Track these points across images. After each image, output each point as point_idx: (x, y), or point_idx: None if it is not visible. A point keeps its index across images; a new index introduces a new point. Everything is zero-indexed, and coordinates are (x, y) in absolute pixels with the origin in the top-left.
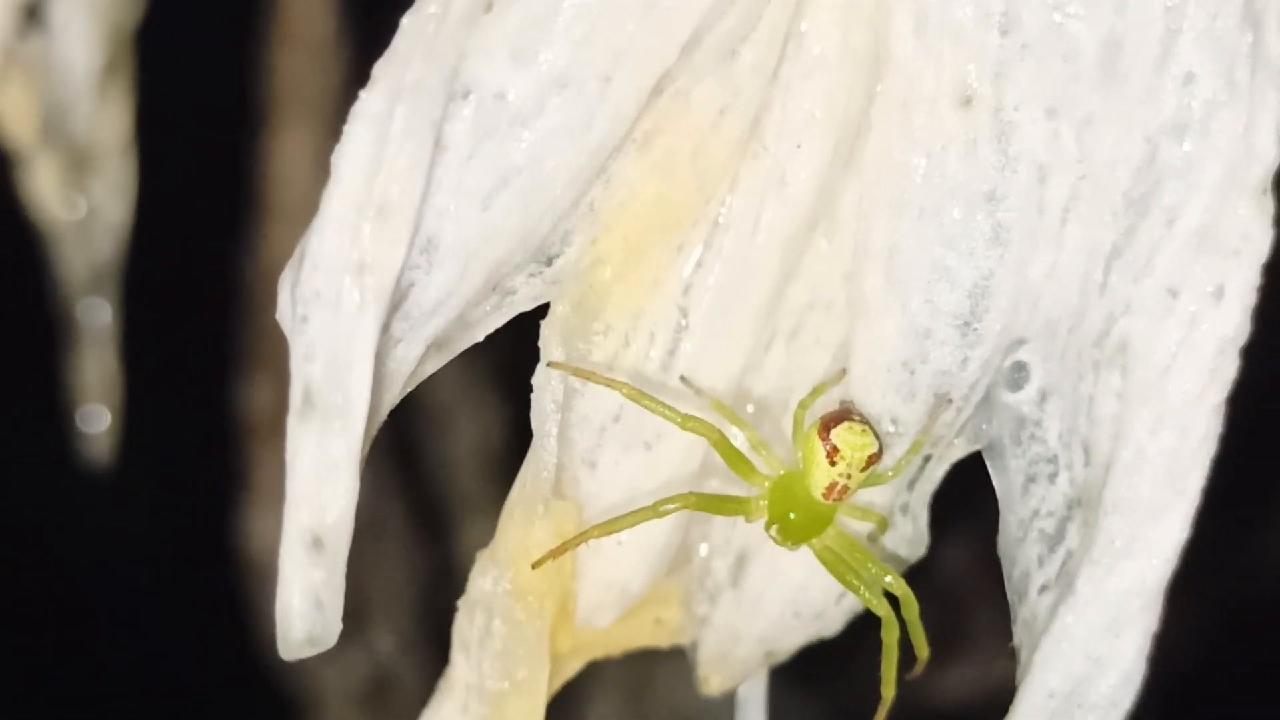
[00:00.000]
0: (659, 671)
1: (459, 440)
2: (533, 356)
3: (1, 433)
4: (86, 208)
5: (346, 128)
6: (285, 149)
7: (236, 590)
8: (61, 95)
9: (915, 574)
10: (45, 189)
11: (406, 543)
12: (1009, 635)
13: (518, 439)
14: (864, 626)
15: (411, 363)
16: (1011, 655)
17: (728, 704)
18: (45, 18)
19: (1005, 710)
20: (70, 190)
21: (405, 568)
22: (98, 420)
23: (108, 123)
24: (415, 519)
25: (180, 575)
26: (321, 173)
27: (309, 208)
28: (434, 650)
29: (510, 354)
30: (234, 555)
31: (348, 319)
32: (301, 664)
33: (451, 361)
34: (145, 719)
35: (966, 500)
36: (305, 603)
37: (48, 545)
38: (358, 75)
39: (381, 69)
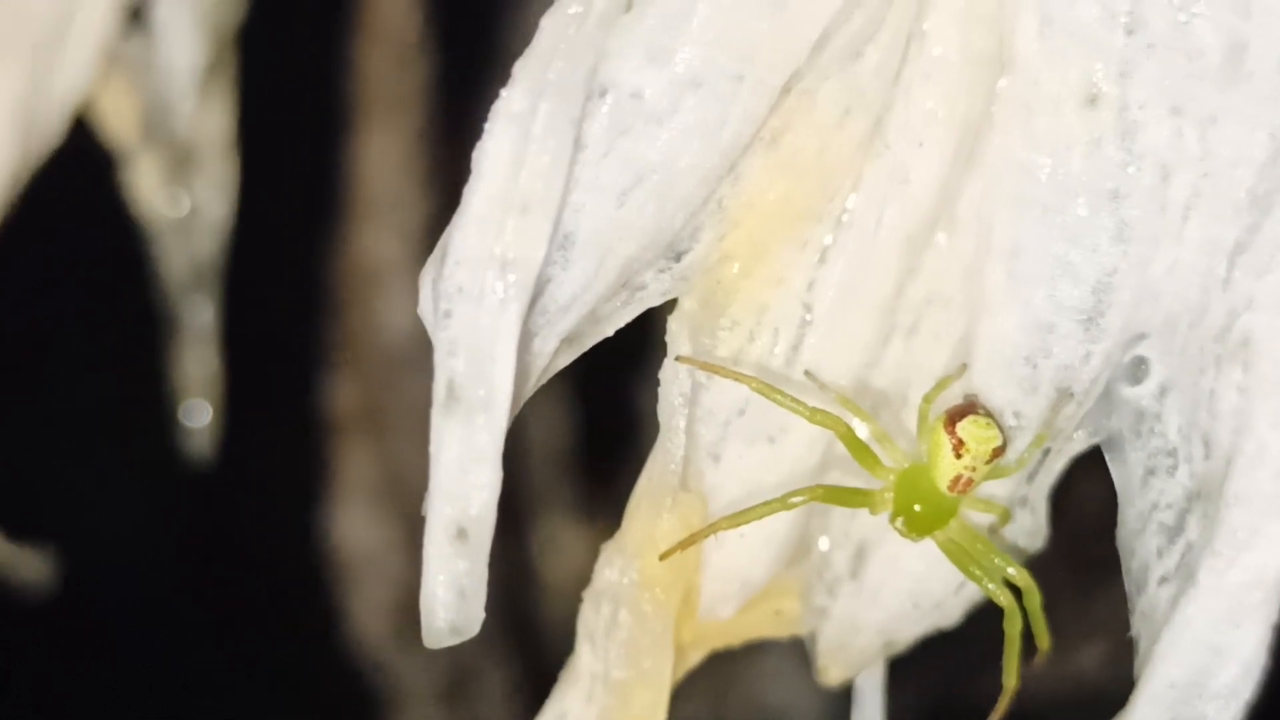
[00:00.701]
0: (745, 669)
1: (531, 439)
2: (600, 354)
3: (107, 427)
4: (189, 206)
5: (488, 125)
6: (372, 149)
7: (323, 587)
8: (164, 95)
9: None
10: (148, 187)
11: None
12: (1090, 627)
13: (588, 435)
14: (977, 616)
15: (546, 357)
16: (1096, 646)
17: (810, 695)
18: (148, 18)
19: (1087, 700)
20: (173, 188)
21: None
22: (200, 415)
23: (209, 122)
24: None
25: (272, 570)
26: (407, 173)
27: (395, 207)
28: (510, 645)
29: (580, 357)
30: (322, 552)
31: (491, 314)
32: (384, 661)
33: None
34: (235, 715)
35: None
36: (449, 593)
37: (146, 537)
38: (443, 76)
39: (522, 68)
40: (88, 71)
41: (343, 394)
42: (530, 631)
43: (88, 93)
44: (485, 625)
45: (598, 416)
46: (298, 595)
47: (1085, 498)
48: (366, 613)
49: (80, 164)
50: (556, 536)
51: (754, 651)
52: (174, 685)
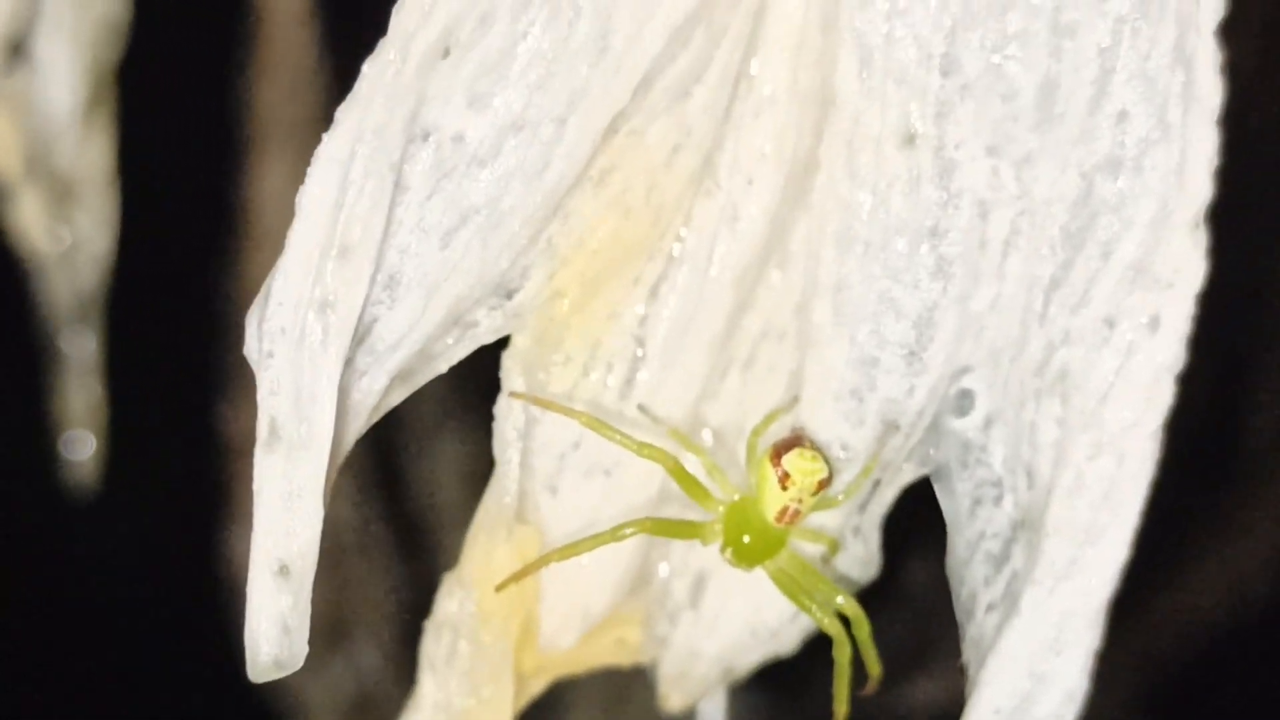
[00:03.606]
0: (635, 686)
1: (442, 461)
2: None
3: None
4: (70, 239)
5: (310, 169)
6: (265, 181)
7: (220, 609)
8: (45, 129)
9: (880, 593)
10: (30, 221)
11: (390, 561)
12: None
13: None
14: (823, 644)
15: (376, 394)
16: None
17: None
18: (29, 53)
19: None
20: (54, 222)
21: (389, 586)
22: (83, 446)
23: (90, 156)
24: (399, 538)
25: (165, 596)
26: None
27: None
28: (415, 668)
29: (492, 378)
30: (218, 575)
31: (311, 354)
32: (286, 681)
33: (434, 385)
34: None
35: (932, 520)
36: (273, 628)
37: (34, 570)
38: (338, 105)
39: (344, 112)
40: None
41: (240, 421)
42: None
43: None
44: (392, 647)
45: None
46: (196, 618)
47: None
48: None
49: None
50: None
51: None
52: (72, 713)
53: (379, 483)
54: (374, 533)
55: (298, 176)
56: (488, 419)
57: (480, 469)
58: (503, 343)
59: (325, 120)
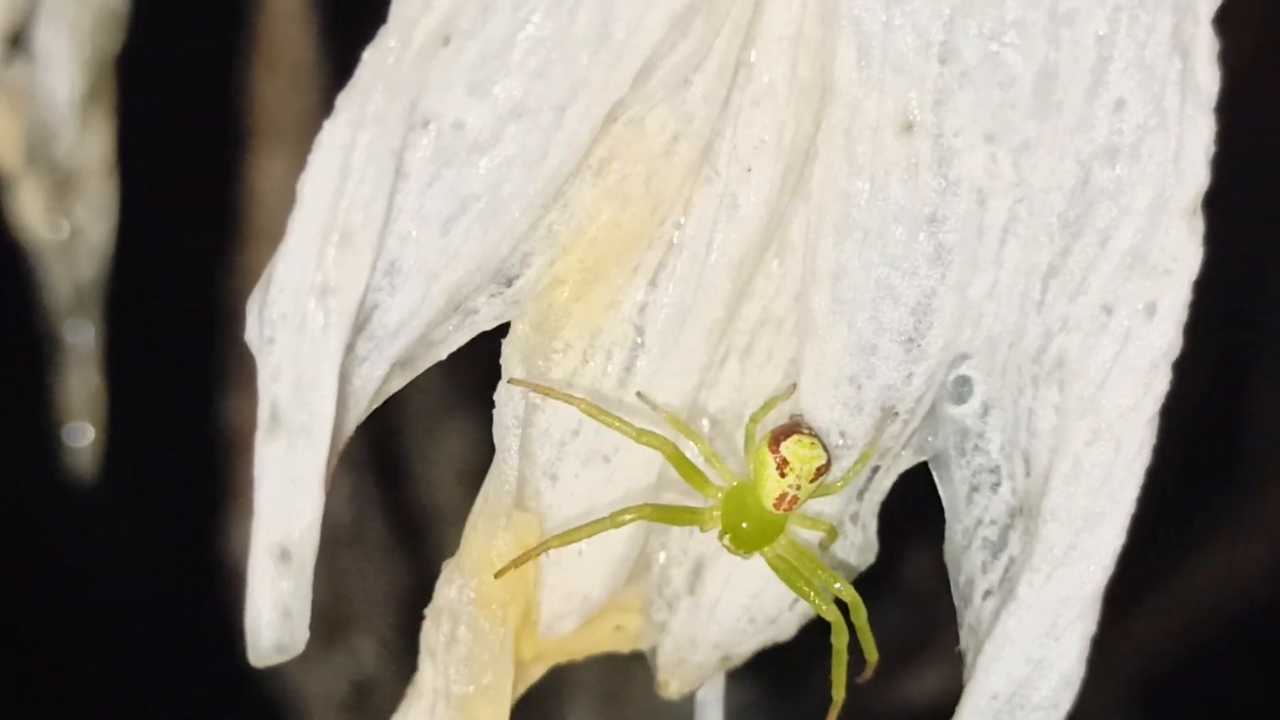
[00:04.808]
0: (632, 675)
1: (440, 451)
2: None
3: None
4: (70, 229)
5: (311, 156)
6: (265, 171)
7: (220, 599)
8: (45, 120)
9: (882, 579)
10: (30, 211)
11: (388, 551)
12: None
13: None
14: (821, 631)
15: (377, 380)
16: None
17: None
18: (29, 45)
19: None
20: (54, 212)
21: (387, 576)
22: (82, 436)
23: (90, 146)
24: (397, 528)
25: (164, 583)
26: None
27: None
28: (415, 657)
29: (491, 367)
30: (217, 565)
31: (312, 340)
32: (285, 670)
33: (432, 374)
34: None
35: (932, 508)
36: (274, 612)
37: (34, 557)
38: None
39: (344, 100)
40: None
41: (240, 411)
42: None
43: None
44: (390, 636)
45: None
46: (197, 607)
47: None
48: None
49: None
50: None
51: (645, 658)
52: (71, 702)
53: (375, 472)
54: (368, 523)
55: (297, 167)
56: (484, 408)
57: (476, 458)
58: (499, 330)
59: (324, 110)
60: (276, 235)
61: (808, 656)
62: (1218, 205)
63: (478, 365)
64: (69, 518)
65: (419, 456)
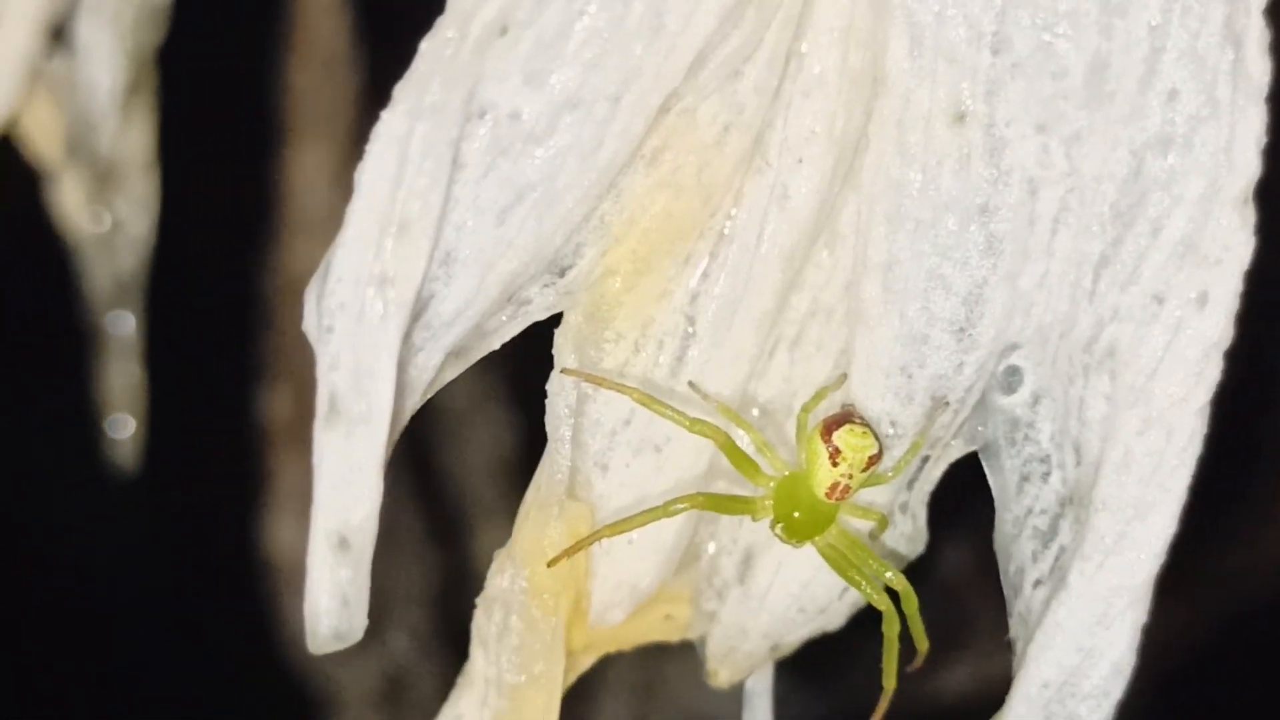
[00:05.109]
0: (669, 668)
1: (474, 447)
2: (545, 365)
3: (33, 439)
4: (111, 222)
5: (369, 147)
6: (302, 164)
7: (258, 593)
8: (86, 113)
9: (917, 571)
10: (71, 204)
11: (422, 546)
12: (1006, 630)
13: (530, 445)
14: (867, 621)
15: (432, 370)
16: (1009, 650)
17: (735, 699)
18: (71, 38)
19: (1001, 703)
20: (95, 205)
21: (421, 571)
22: (124, 428)
23: (131, 139)
24: (431, 523)
25: (203, 578)
26: (338, 187)
27: (326, 221)
28: (449, 651)
29: (523, 363)
30: (255, 558)
31: (370, 330)
32: (320, 665)
33: (467, 370)
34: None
35: (966, 500)
36: (333, 601)
37: (76, 548)
38: (372, 91)
39: (401, 91)
40: (11, 90)
41: (277, 404)
42: (466, 637)
43: (12, 111)
44: (422, 630)
45: (540, 426)
46: (235, 601)
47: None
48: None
49: (4, 181)
50: (495, 544)
51: (681, 651)
52: (110, 694)
53: (410, 467)
54: (400, 517)
55: (333, 159)
56: (515, 403)
57: (507, 453)
58: (538, 326)
59: (360, 104)
60: (314, 227)
61: (855, 646)
62: (1269, 195)
63: (509, 360)
64: (110, 509)
65: (450, 451)
